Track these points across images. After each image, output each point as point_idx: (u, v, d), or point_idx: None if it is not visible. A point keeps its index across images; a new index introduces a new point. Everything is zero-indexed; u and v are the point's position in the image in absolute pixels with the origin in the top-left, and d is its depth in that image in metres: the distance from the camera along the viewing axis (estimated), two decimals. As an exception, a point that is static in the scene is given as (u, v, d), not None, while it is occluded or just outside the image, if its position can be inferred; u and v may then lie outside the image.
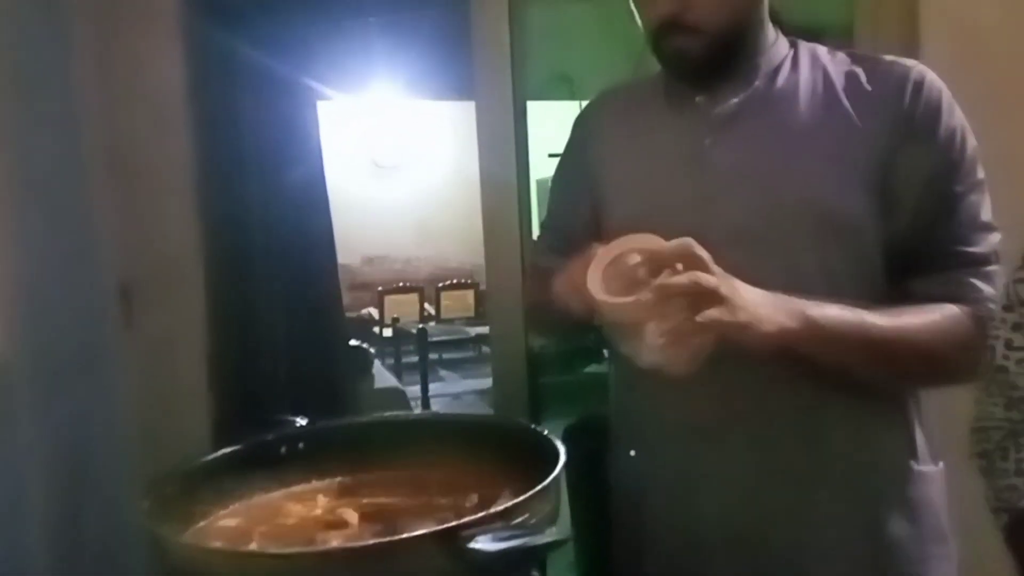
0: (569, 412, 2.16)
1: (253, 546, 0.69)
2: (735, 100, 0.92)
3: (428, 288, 7.11)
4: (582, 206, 1.04)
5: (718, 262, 0.85)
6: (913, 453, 0.93)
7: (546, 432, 0.81)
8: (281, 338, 1.87)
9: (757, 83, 0.93)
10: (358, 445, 0.89)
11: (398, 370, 5.84)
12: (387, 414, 0.98)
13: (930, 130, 0.87)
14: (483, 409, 5.37)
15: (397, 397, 2.92)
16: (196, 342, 1.62)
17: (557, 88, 3.63)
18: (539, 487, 0.63)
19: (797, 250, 0.87)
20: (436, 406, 5.53)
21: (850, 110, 0.88)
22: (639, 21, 0.92)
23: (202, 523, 0.75)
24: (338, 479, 0.86)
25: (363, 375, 2.85)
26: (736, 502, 0.89)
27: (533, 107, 1.84)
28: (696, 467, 0.91)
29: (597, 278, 0.78)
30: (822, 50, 0.95)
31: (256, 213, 1.81)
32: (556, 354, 2.11)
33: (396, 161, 7.85)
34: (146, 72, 1.54)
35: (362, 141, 7.64)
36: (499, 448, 0.85)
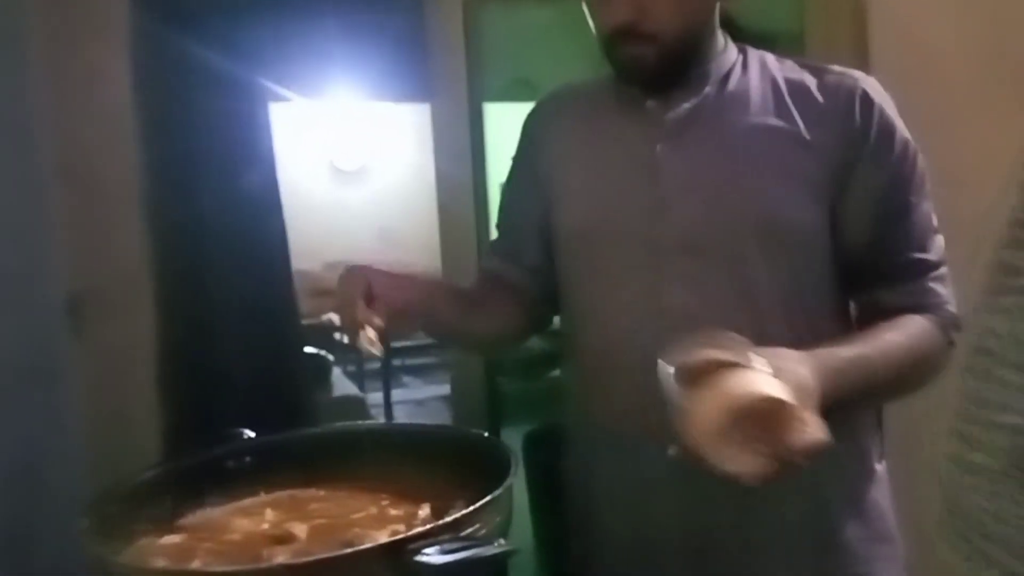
0: (529, 419, 2.15)
1: (196, 564, 0.67)
2: (686, 105, 0.92)
3: (390, 293, 7.05)
4: (532, 208, 1.04)
5: (669, 270, 0.89)
6: (863, 453, 0.94)
7: (501, 441, 0.80)
8: (235, 347, 1.83)
9: (708, 89, 0.93)
10: (309, 457, 0.88)
11: (360, 377, 5.78)
12: (338, 425, 0.97)
13: (885, 147, 0.88)
14: (447, 415, 5.34)
15: (356, 405, 2.89)
16: (147, 353, 1.58)
17: (517, 91, 3.63)
18: (489, 497, 0.62)
19: (747, 261, 0.88)
20: (399, 412, 5.48)
21: (799, 121, 0.89)
22: (593, 27, 0.92)
23: (145, 541, 0.72)
24: (288, 492, 0.84)
25: (321, 383, 2.81)
26: (687, 507, 0.89)
27: (494, 110, 1.83)
28: (646, 472, 0.90)
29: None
30: (770, 57, 0.95)
31: (208, 219, 1.77)
32: (515, 361, 2.10)
33: (357, 165, 7.79)
34: (96, 81, 1.50)
35: (323, 145, 7.57)
36: (453, 458, 0.84)
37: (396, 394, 5.68)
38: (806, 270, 0.89)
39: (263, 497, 0.83)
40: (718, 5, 0.93)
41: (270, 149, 1.90)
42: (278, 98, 2.14)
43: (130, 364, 1.58)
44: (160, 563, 0.67)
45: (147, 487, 0.78)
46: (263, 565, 0.62)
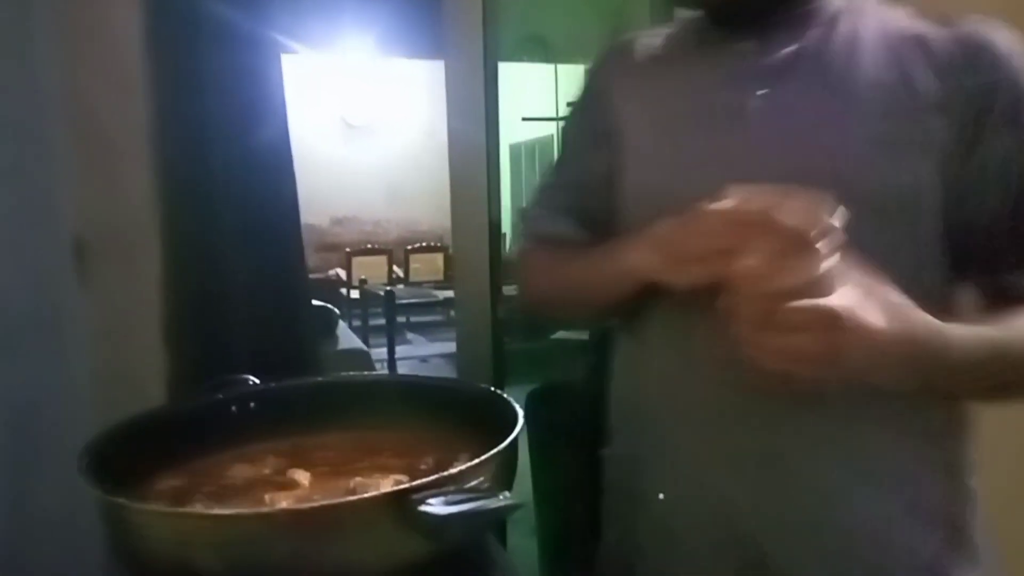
0: (533, 378, 2.15)
1: (196, 506, 0.66)
2: (785, 51, 0.79)
3: (397, 250, 7.05)
4: (598, 162, 0.92)
5: None
6: (954, 466, 0.81)
7: (505, 395, 0.79)
8: (242, 298, 1.83)
9: (812, 32, 0.79)
10: (313, 406, 0.87)
11: (365, 332, 5.81)
12: (343, 374, 0.96)
13: (1019, 106, 0.75)
14: (450, 373, 5.37)
15: (361, 358, 2.90)
16: (154, 300, 1.58)
17: (531, 50, 3.58)
18: (494, 450, 0.62)
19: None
20: (403, 369, 5.51)
21: (918, 76, 0.75)
22: None
23: (144, 483, 0.72)
24: (291, 440, 0.84)
25: (327, 336, 2.82)
26: (745, 509, 0.78)
27: (505, 69, 1.80)
28: (702, 467, 0.80)
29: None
30: (884, 4, 0.82)
31: (217, 170, 1.76)
32: (522, 320, 2.09)
33: (367, 121, 7.74)
34: (104, 29, 1.48)
35: (333, 99, 7.52)
36: (457, 411, 0.83)
37: (400, 351, 5.71)
38: (913, 247, 0.76)
39: (266, 444, 0.83)
40: None
41: (282, 103, 1.88)
42: (289, 51, 2.11)
43: (136, 311, 1.58)
44: (159, 504, 0.67)
45: (148, 427, 0.78)
46: (265, 509, 0.61)
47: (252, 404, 0.84)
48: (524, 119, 5.17)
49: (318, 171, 6.85)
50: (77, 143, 1.49)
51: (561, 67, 5.34)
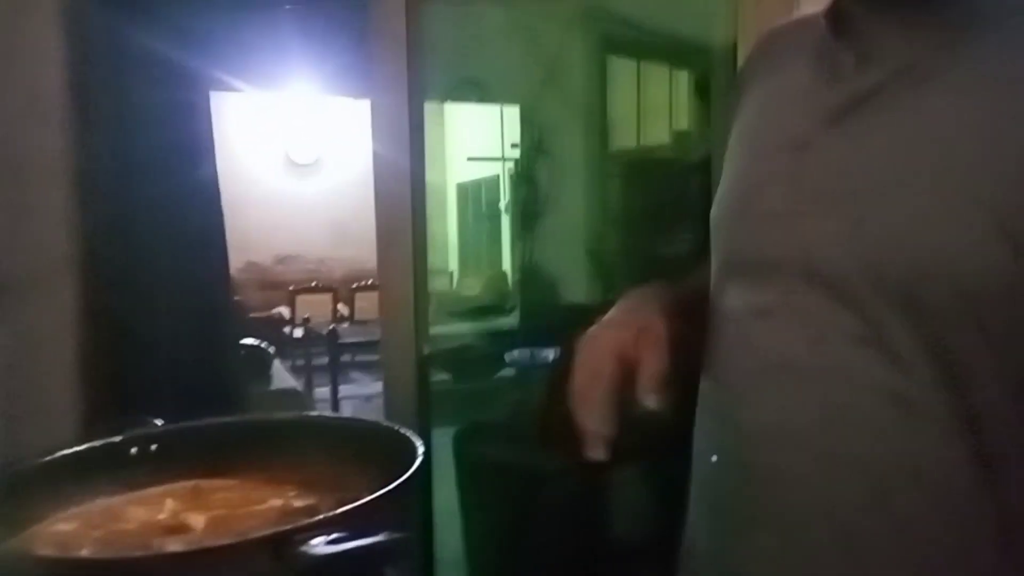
0: (462, 418, 2.16)
1: (84, 552, 0.65)
2: (885, 70, 0.63)
3: (342, 288, 7.00)
4: None
5: (782, 297, 0.66)
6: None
7: (408, 433, 0.79)
8: (164, 337, 1.80)
9: (941, 42, 0.61)
10: (217, 447, 0.86)
11: (308, 371, 5.72)
12: (249, 415, 0.95)
13: None
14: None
15: (295, 399, 2.85)
16: (68, 339, 1.54)
17: (465, 92, 3.64)
18: (383, 491, 0.62)
19: (917, 316, 0.59)
20: (346, 408, 5.44)
21: None
22: None
23: (34, 528, 0.70)
24: (192, 482, 0.82)
25: (260, 375, 2.77)
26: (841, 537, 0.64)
27: (451, 110, 1.82)
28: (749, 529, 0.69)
29: None
30: None
31: (141, 207, 1.74)
32: (450, 360, 2.10)
33: (312, 158, 7.72)
34: (19, 54, 1.45)
35: (277, 137, 7.49)
36: (365, 450, 0.83)
37: (344, 390, 5.64)
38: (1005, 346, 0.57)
39: (166, 487, 0.81)
40: None
41: (210, 140, 1.87)
42: (225, 88, 2.11)
43: (49, 349, 1.54)
44: (46, 551, 0.65)
45: (42, 471, 0.76)
46: (146, 553, 0.61)
47: (153, 446, 0.83)
48: (469, 159, 5.21)
49: (261, 208, 6.78)
50: (-6, 178, 1.45)
51: (506, 108, 5.42)
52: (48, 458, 0.77)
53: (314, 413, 0.81)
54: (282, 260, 7.60)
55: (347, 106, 7.43)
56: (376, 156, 1.58)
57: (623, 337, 0.72)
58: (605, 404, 0.69)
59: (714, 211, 0.78)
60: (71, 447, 1.43)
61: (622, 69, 3.37)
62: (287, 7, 2.31)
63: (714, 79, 1.83)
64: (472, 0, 1.63)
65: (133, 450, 0.82)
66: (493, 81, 3.57)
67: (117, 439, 0.81)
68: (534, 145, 4.43)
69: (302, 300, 6.61)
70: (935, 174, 0.58)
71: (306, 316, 6.25)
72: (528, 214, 4.80)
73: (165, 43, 1.70)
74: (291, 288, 6.75)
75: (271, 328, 5.87)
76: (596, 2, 2.78)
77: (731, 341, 0.73)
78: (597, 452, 0.68)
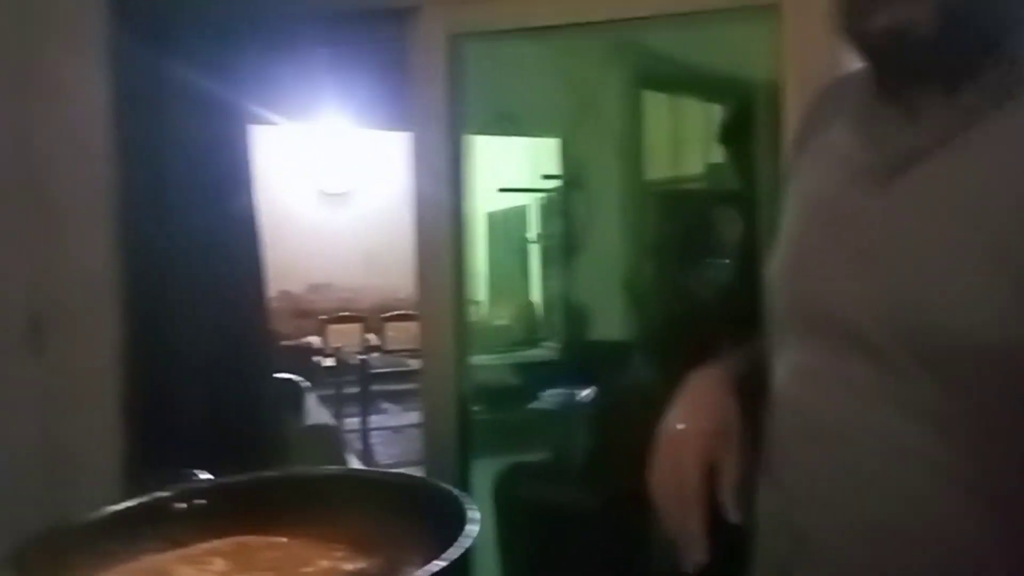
0: (500, 450, 2.13)
1: (132, 618, 0.63)
2: (937, 132, 0.62)
3: (372, 318, 7.01)
4: None
5: (831, 364, 0.66)
6: None
7: (464, 496, 0.76)
8: (203, 373, 1.79)
9: (980, 107, 0.61)
10: (263, 502, 0.84)
11: (338, 401, 5.72)
12: (297, 469, 0.93)
13: None
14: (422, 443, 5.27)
15: (328, 434, 2.83)
16: (109, 375, 1.54)
17: (501, 125, 3.66)
18: (444, 564, 0.59)
19: (957, 390, 0.58)
20: (376, 439, 5.42)
21: None
22: None
23: (81, 589, 0.69)
24: (239, 539, 0.80)
25: (294, 410, 2.76)
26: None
27: (482, 141, 1.82)
28: None
29: None
30: None
31: (181, 241, 1.74)
32: (488, 391, 2.08)
33: (344, 188, 7.79)
34: (67, 89, 1.47)
35: (311, 167, 7.57)
36: (416, 508, 0.80)
37: (374, 420, 5.62)
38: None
39: (212, 543, 0.79)
40: None
41: (249, 173, 1.88)
42: (263, 121, 2.13)
43: (91, 386, 1.54)
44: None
45: (88, 528, 0.74)
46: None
47: (201, 501, 0.81)
48: (500, 190, 5.24)
49: (295, 238, 6.85)
50: (32, 209, 1.46)
51: (537, 140, 5.44)
52: (95, 515, 0.75)
53: (362, 468, 0.80)
54: (314, 289, 7.64)
55: (376, 138, 7.51)
56: (416, 188, 1.58)
57: (706, 444, 0.73)
58: (700, 511, 0.71)
59: (768, 270, 0.78)
60: (113, 492, 1.42)
61: (657, 103, 3.37)
62: (321, 49, 2.33)
63: (750, 113, 1.80)
64: (508, 36, 1.62)
65: (180, 505, 0.80)
66: (529, 115, 3.59)
67: (164, 494, 0.80)
68: (569, 177, 4.43)
69: (332, 329, 6.63)
70: (975, 242, 0.58)
71: (337, 345, 6.26)
72: (562, 246, 4.79)
73: (203, 79, 1.72)
74: (322, 317, 6.78)
75: (301, 357, 5.89)
76: (631, 37, 2.78)
77: (780, 399, 0.73)
78: (700, 554, 0.70)
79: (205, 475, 0.86)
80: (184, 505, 0.81)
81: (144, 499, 0.78)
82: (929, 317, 0.59)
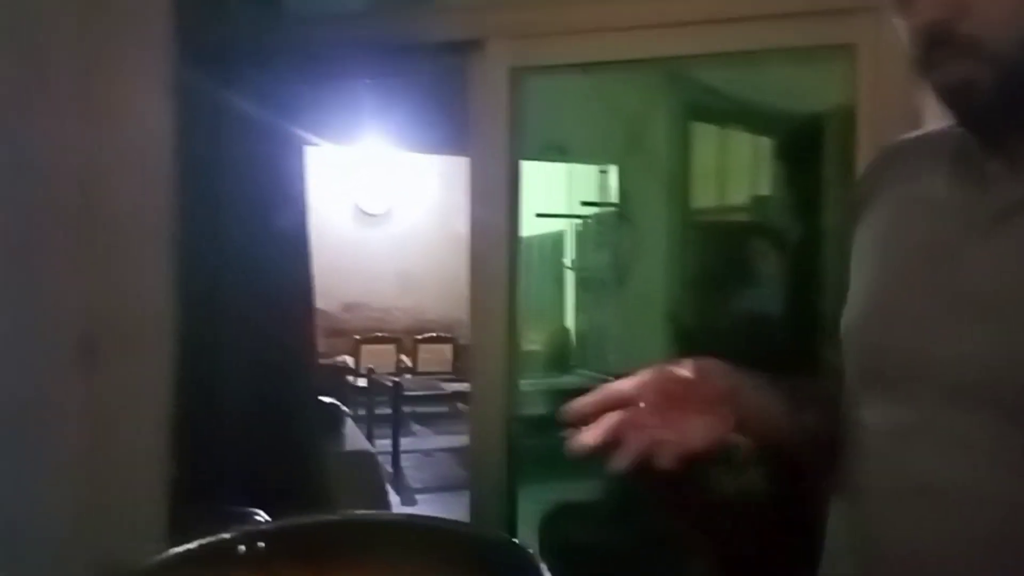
0: (545, 476, 2.11)
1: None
2: None
3: (405, 339, 7.02)
4: None
5: (929, 420, 0.63)
6: None
7: (526, 549, 0.74)
8: (252, 395, 1.79)
9: None
10: (323, 545, 0.82)
11: (370, 422, 5.71)
12: (358, 513, 0.91)
13: None
14: (456, 467, 5.25)
15: (366, 461, 2.82)
16: (160, 399, 1.54)
17: (550, 154, 3.66)
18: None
19: None
20: (407, 462, 5.39)
21: None
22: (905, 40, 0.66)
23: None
24: (299, 584, 0.78)
25: (334, 434, 2.75)
26: None
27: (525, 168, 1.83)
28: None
29: None
30: None
31: (235, 264, 1.75)
32: (535, 417, 2.05)
33: (382, 209, 7.84)
34: (131, 119, 1.49)
35: (348, 186, 7.64)
36: (476, 558, 0.78)
37: (405, 443, 5.60)
38: None
39: (271, 587, 0.77)
40: None
41: (303, 198, 1.89)
42: (311, 144, 2.15)
43: (141, 410, 1.54)
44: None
45: (152, 571, 0.72)
46: None
47: (260, 543, 0.79)
48: (538, 215, 5.24)
49: (331, 256, 6.90)
50: (92, 229, 1.47)
51: (575, 166, 5.44)
52: (156, 560, 0.73)
53: (424, 515, 0.77)
54: (348, 308, 7.68)
55: (414, 161, 7.57)
56: (472, 214, 1.58)
57: (677, 377, 0.70)
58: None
59: (846, 318, 0.75)
60: (160, 517, 1.41)
61: (705, 134, 3.35)
62: (367, 81, 2.37)
63: (814, 148, 1.78)
64: (564, 69, 1.62)
65: (241, 548, 0.78)
66: (580, 144, 3.60)
67: (226, 536, 0.78)
68: (615, 206, 4.42)
69: (366, 349, 6.64)
70: None
71: (370, 366, 6.26)
72: (606, 274, 4.77)
73: (261, 107, 1.74)
74: (357, 337, 6.79)
75: (334, 377, 5.90)
76: (680, 71, 2.78)
77: (871, 456, 0.69)
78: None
79: (261, 515, 0.84)
80: (243, 548, 0.79)
81: (205, 541, 0.77)
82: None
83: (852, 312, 0.75)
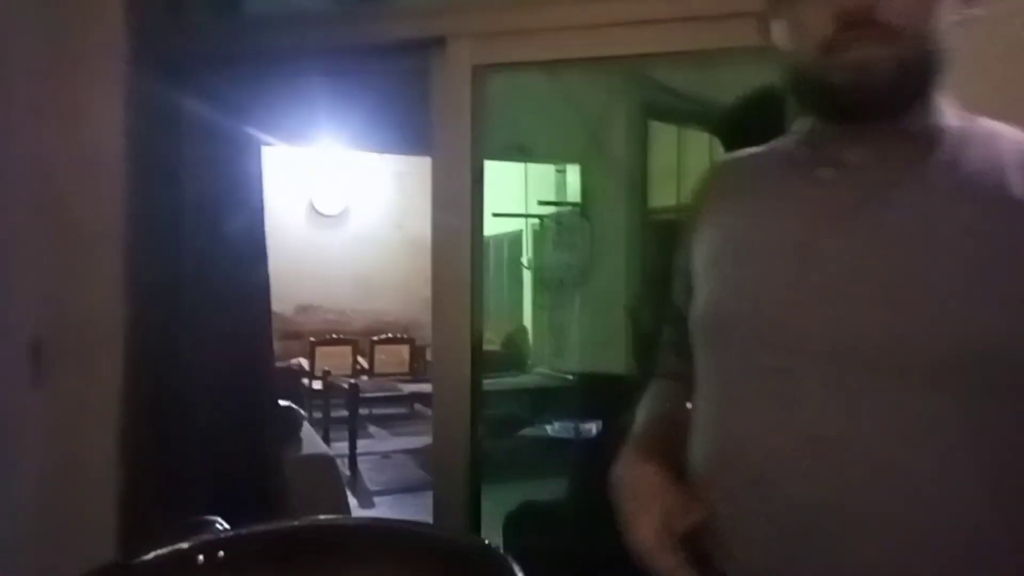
0: (508, 475, 2.10)
1: None
2: (867, 182, 0.73)
3: (362, 341, 6.94)
4: (686, 295, 0.88)
5: (814, 384, 0.71)
6: None
7: (500, 552, 0.73)
8: (205, 401, 1.75)
9: (912, 154, 0.73)
10: (285, 552, 0.79)
11: (326, 425, 5.63)
12: (320, 518, 0.88)
13: None
14: (413, 468, 5.20)
15: (325, 465, 2.77)
16: (112, 406, 1.49)
17: (511, 153, 3.66)
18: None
19: (932, 388, 0.67)
20: (364, 464, 5.33)
21: None
22: (794, 37, 0.74)
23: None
24: (261, 593, 0.76)
25: (290, 439, 2.70)
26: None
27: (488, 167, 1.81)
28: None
29: None
30: (1009, 131, 0.75)
31: (189, 266, 1.71)
32: (493, 417, 2.04)
33: (337, 210, 7.74)
34: (86, 123, 1.45)
35: (303, 187, 7.53)
36: (443, 561, 0.76)
37: (362, 445, 5.53)
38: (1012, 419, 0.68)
39: (234, 598, 0.75)
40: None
41: (260, 198, 1.85)
42: (266, 143, 2.11)
43: (93, 416, 1.49)
44: None
45: (106, 583, 0.69)
46: None
47: (221, 552, 0.76)
48: (495, 215, 5.23)
49: (285, 258, 6.79)
50: (44, 234, 1.42)
51: (531, 165, 5.45)
52: (115, 566, 0.70)
53: (390, 518, 0.75)
54: (303, 310, 7.57)
55: (370, 161, 7.50)
56: (435, 214, 1.56)
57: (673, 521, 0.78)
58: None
59: (711, 314, 0.82)
60: (115, 524, 1.36)
61: (663, 134, 3.37)
62: (318, 77, 2.35)
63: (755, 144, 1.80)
64: (523, 69, 1.61)
65: (200, 558, 0.75)
66: (538, 143, 3.60)
67: (184, 546, 0.75)
68: (573, 204, 4.43)
69: (321, 351, 6.55)
70: (942, 257, 0.68)
71: (326, 368, 6.17)
72: (564, 273, 4.77)
73: (217, 109, 1.70)
74: (312, 339, 6.69)
75: (289, 380, 5.80)
76: (640, 71, 2.79)
77: (763, 420, 0.75)
78: None
79: (221, 523, 0.81)
80: (203, 558, 0.76)
81: (163, 551, 0.74)
82: (925, 327, 0.67)
83: (721, 306, 0.81)
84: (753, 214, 0.81)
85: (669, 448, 0.85)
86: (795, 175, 0.80)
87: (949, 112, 0.76)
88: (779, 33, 0.77)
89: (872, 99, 0.72)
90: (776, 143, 0.85)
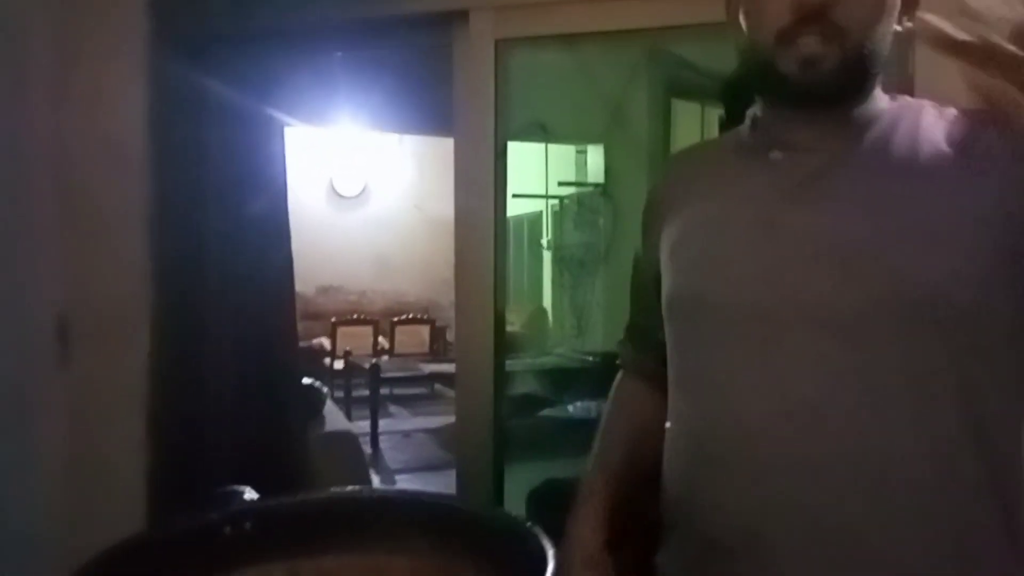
0: (532, 454, 2.11)
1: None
2: (818, 159, 0.81)
3: (383, 321, 6.97)
4: (655, 282, 0.93)
5: (786, 348, 0.77)
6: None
7: (533, 528, 0.72)
8: (231, 381, 1.76)
9: (849, 137, 0.81)
10: (313, 525, 0.79)
11: (347, 404, 5.68)
12: (348, 489, 0.88)
13: None
14: (432, 447, 5.24)
15: (348, 442, 2.79)
16: (138, 386, 1.51)
17: (532, 133, 3.62)
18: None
19: (887, 342, 0.74)
20: (385, 443, 5.38)
21: (969, 182, 0.75)
22: (750, 26, 0.81)
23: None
24: (289, 563, 0.76)
25: (313, 416, 2.72)
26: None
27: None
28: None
29: None
30: (930, 106, 0.83)
31: (213, 247, 1.71)
32: (514, 397, 2.04)
33: (357, 191, 7.75)
34: (106, 105, 1.45)
35: (324, 168, 7.54)
36: (472, 535, 0.76)
37: (382, 424, 5.58)
38: (971, 356, 0.74)
39: (260, 567, 0.75)
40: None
41: (283, 178, 1.85)
42: (287, 124, 2.11)
43: (119, 396, 1.50)
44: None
45: (135, 551, 0.70)
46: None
47: (247, 524, 0.76)
48: (514, 195, 5.22)
49: (306, 239, 6.80)
50: (68, 215, 1.44)
51: (552, 146, 5.42)
52: (141, 538, 0.71)
53: (416, 489, 0.75)
54: (324, 291, 7.61)
55: (391, 142, 7.49)
56: (458, 193, 1.55)
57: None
58: None
59: (683, 294, 0.87)
60: (144, 503, 1.38)
61: (686, 112, 3.33)
62: (339, 56, 2.34)
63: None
64: (545, 46, 1.59)
65: (227, 528, 0.75)
66: (560, 122, 3.57)
67: (212, 517, 0.75)
68: (595, 185, 4.39)
69: (343, 332, 6.59)
70: (885, 220, 0.75)
71: (347, 348, 6.21)
72: (584, 254, 4.74)
73: (238, 88, 1.70)
74: (333, 320, 6.73)
75: (312, 359, 5.85)
76: (661, 45, 2.75)
77: (741, 389, 0.80)
78: None
79: (250, 493, 0.82)
80: (230, 528, 0.76)
81: (190, 522, 0.74)
82: (888, 288, 0.74)
83: (692, 286, 0.87)
84: (713, 198, 0.88)
85: (622, 498, 0.95)
86: (749, 159, 0.87)
87: (884, 96, 0.84)
88: (742, 16, 0.83)
89: (817, 89, 0.80)
90: (727, 134, 0.94)
